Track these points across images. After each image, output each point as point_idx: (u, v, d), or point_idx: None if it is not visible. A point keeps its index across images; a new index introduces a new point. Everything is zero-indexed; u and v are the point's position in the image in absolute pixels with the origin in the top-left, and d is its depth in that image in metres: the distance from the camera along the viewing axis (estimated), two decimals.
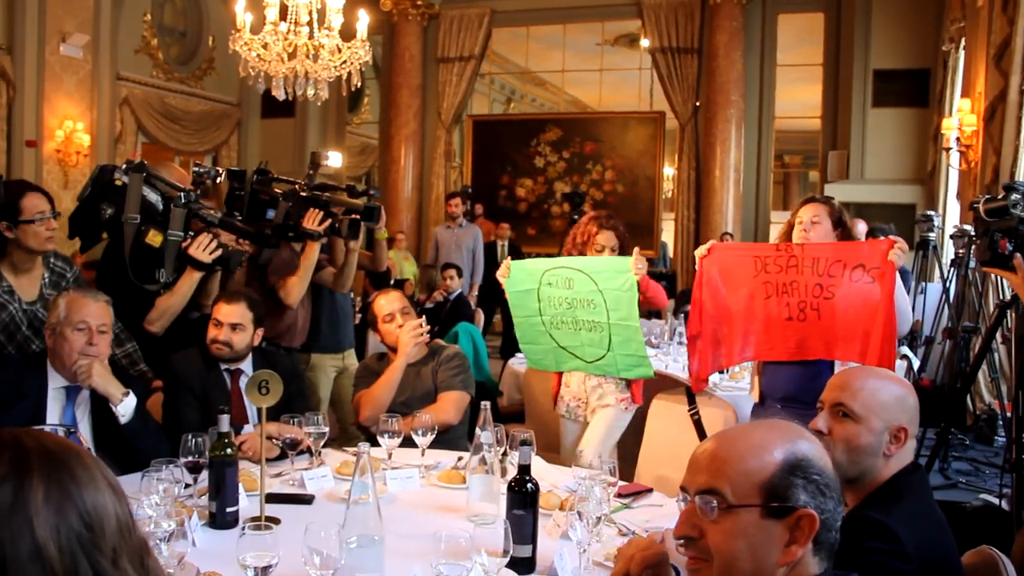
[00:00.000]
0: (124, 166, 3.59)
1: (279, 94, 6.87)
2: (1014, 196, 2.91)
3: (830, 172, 10.96)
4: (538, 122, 13.38)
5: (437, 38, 12.76)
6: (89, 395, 2.90)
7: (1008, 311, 2.99)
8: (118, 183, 3.54)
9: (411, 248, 12.39)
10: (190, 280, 3.59)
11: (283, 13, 6.82)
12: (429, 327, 3.64)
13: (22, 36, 10.05)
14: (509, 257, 4.10)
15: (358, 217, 4.20)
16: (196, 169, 3.97)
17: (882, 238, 5.60)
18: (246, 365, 3.35)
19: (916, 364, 5.61)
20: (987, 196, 3.16)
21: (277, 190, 4.18)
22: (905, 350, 5.45)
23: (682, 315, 6.07)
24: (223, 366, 3.31)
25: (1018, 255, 2.77)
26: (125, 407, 2.88)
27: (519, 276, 3.95)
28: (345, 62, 6.89)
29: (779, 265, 3.40)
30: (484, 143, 13.11)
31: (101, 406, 2.90)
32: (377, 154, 13.97)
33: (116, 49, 11.23)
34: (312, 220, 4.02)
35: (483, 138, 13.16)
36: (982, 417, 5.97)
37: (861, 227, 6.67)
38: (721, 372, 4.74)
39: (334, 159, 12.04)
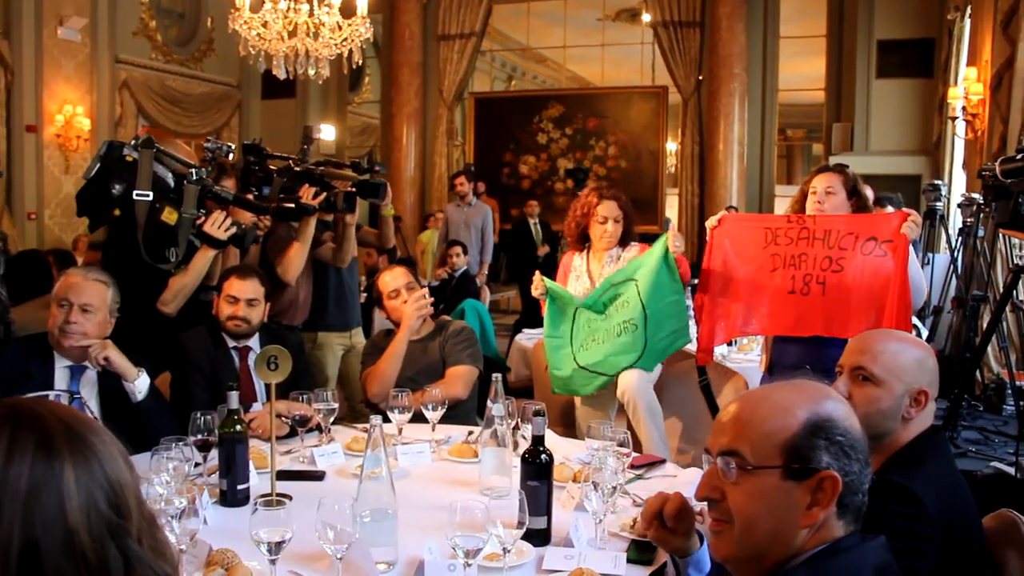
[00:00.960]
0: (133, 142, 3.52)
1: (280, 73, 6.82)
2: None
3: (834, 144, 10.90)
4: (540, 99, 13.32)
5: (437, 15, 12.67)
6: (96, 375, 2.89)
7: (1022, 276, 2.94)
8: (128, 159, 3.46)
9: (416, 227, 12.35)
10: (204, 258, 3.53)
11: None
12: (432, 299, 3.60)
13: (19, 20, 9.99)
14: (539, 273, 4.01)
15: (354, 190, 4.13)
16: (208, 145, 3.90)
17: (891, 210, 5.57)
18: (254, 342, 3.34)
19: (924, 334, 5.57)
20: (1002, 158, 3.11)
21: (272, 166, 4.13)
22: (914, 320, 5.41)
23: (688, 288, 6.03)
24: (231, 343, 3.30)
25: None
26: (141, 383, 2.88)
27: (560, 297, 3.90)
28: (346, 39, 6.84)
29: (790, 237, 3.36)
30: (486, 121, 13.06)
31: (108, 386, 2.89)
32: (379, 133, 13.91)
33: (114, 32, 11.18)
34: (307, 194, 3.95)
35: (485, 115, 13.11)
36: (991, 386, 5.94)
37: (868, 193, 6.64)
38: (730, 344, 4.70)
39: (326, 132, 11.96)
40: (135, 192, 3.40)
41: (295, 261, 4.05)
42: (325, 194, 4.02)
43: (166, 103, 12.02)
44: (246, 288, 3.27)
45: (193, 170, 3.53)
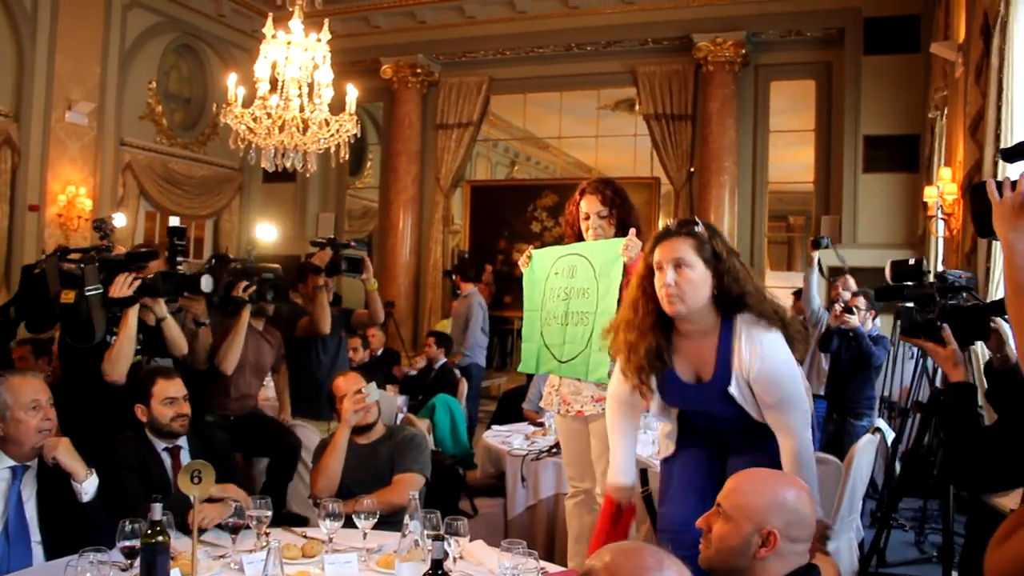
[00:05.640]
0: (43, 257, 3.89)
1: (268, 166, 7.03)
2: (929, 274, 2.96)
3: None
4: (535, 188, 13.54)
5: (436, 105, 12.97)
6: (36, 474, 2.95)
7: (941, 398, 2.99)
8: (37, 271, 3.89)
9: (409, 312, 12.48)
10: (127, 319, 3.78)
11: (274, 85, 7.00)
12: (368, 394, 3.65)
13: (29, 103, 10.30)
14: (533, 246, 4.03)
15: (282, 283, 4.89)
16: (95, 220, 4.28)
17: (863, 304, 5.60)
18: (182, 441, 3.46)
19: (890, 436, 5.58)
20: (892, 260, 3.19)
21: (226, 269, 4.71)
22: (880, 422, 5.44)
23: None
24: (161, 445, 3.41)
25: (946, 326, 2.73)
26: (89, 484, 2.93)
27: (536, 265, 3.89)
28: (334, 135, 7.05)
29: None
30: (482, 208, 13.22)
31: (49, 485, 2.94)
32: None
33: (120, 115, 11.49)
34: (238, 289, 4.53)
35: (481, 203, 13.28)
36: None
37: (852, 283, 6.78)
38: None
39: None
40: (51, 294, 3.76)
41: (228, 353, 4.56)
42: (254, 287, 4.60)
43: (168, 185, 12.26)
44: (178, 386, 3.44)
45: (93, 251, 3.84)
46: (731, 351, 2.67)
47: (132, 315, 3.78)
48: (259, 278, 4.65)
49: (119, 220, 9.37)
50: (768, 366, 2.62)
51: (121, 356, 3.75)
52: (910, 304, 2.83)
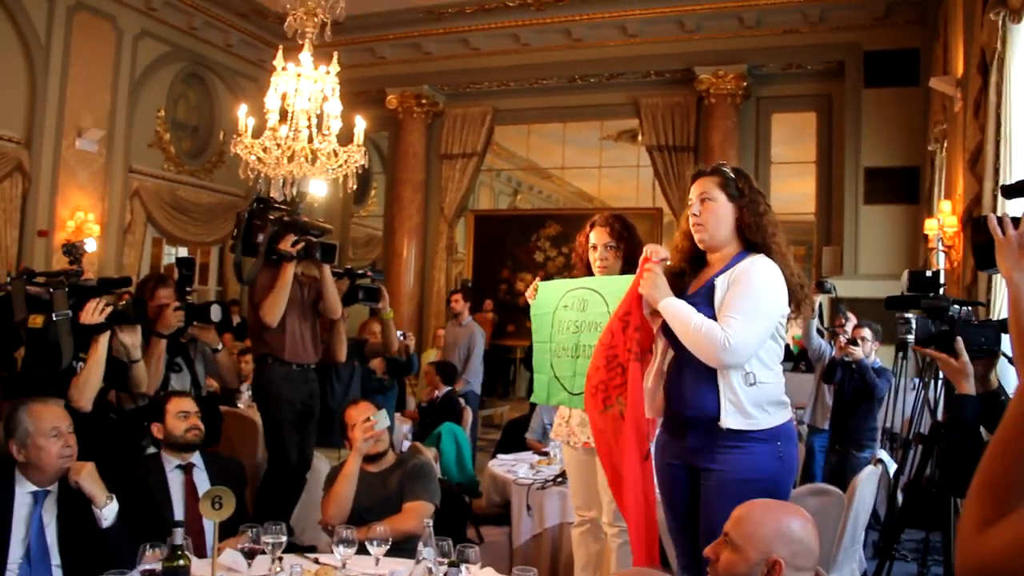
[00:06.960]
0: (8, 279, 3.76)
1: (277, 195, 7.14)
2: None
3: (824, 267, 11.10)
4: (538, 218, 13.65)
5: (441, 135, 13.12)
6: (56, 499, 3.02)
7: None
8: (2, 294, 3.76)
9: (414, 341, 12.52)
10: (96, 346, 3.67)
11: (283, 116, 7.13)
12: (376, 422, 3.70)
13: (40, 131, 10.41)
14: (539, 278, 4.02)
15: (335, 244, 4.80)
16: (65, 248, 4.23)
17: (869, 335, 5.63)
18: (196, 459, 3.54)
19: (892, 467, 5.62)
20: (911, 270, 3.22)
21: (271, 216, 4.61)
22: (881, 454, 5.48)
23: None
24: (175, 462, 3.50)
25: (960, 338, 2.75)
26: (109, 510, 3.00)
27: (544, 298, 3.87)
28: (342, 165, 7.17)
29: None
30: (485, 238, 13.36)
31: (69, 510, 3.01)
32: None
33: (130, 143, 11.60)
34: (286, 243, 4.48)
35: (484, 233, 13.41)
36: None
37: (852, 323, 6.79)
38: None
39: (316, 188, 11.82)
40: (16, 319, 3.62)
41: (274, 306, 4.49)
42: (303, 243, 4.51)
43: (175, 212, 12.35)
44: (191, 403, 3.59)
45: (63, 276, 3.74)
46: (733, 265, 2.89)
47: (102, 342, 3.69)
48: (308, 235, 4.56)
49: (90, 245, 9.48)
50: (751, 274, 2.81)
51: (89, 383, 3.66)
52: (924, 314, 2.86)
